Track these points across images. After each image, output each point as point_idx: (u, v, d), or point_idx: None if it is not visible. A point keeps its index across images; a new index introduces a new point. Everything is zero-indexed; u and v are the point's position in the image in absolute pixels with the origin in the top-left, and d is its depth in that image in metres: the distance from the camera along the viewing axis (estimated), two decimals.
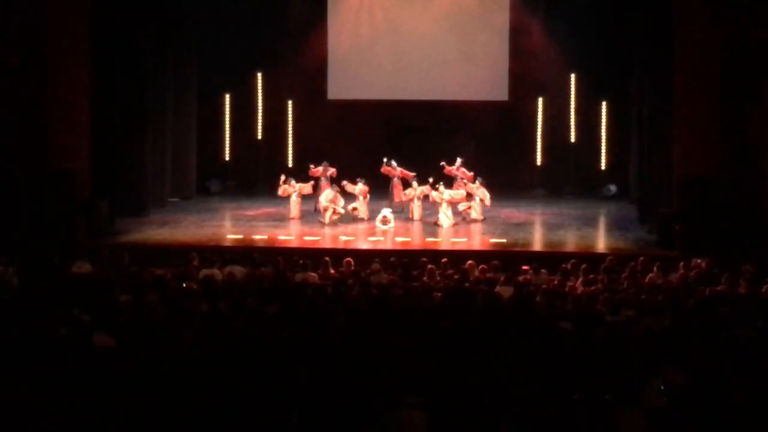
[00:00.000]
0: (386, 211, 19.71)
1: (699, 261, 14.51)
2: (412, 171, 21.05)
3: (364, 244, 18.17)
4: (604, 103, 24.17)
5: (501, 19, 24.20)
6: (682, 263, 14.65)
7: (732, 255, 14.85)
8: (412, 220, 20.38)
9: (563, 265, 14.44)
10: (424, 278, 13.83)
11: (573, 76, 24.31)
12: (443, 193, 19.92)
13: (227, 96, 25.04)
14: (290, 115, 25.14)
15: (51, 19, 18.14)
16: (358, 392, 7.64)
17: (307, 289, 12.40)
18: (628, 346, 9.13)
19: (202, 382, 7.88)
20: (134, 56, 20.46)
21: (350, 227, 19.71)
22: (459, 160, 21.39)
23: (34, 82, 18.01)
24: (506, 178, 23.54)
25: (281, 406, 7.55)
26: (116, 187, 19.90)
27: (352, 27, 24.53)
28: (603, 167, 24.49)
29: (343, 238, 18.69)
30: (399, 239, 18.57)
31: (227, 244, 18.12)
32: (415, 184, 20.58)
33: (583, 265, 14.13)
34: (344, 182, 20.55)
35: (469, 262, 14.86)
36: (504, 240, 18.37)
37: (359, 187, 20.39)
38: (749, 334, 9.78)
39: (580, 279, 13.57)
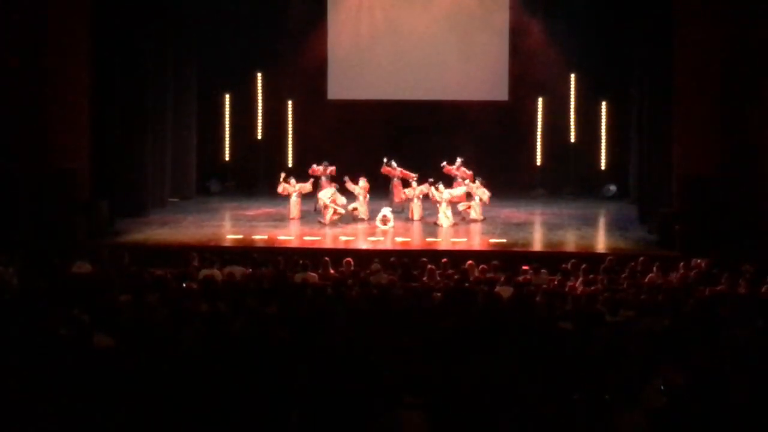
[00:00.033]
0: (386, 211, 19.71)
1: (699, 261, 14.51)
2: (412, 171, 21.05)
3: (364, 244, 18.17)
4: (604, 103, 24.17)
5: (501, 19, 24.20)
6: (682, 263, 14.65)
7: (732, 255, 14.85)
8: (412, 220, 20.38)
9: (563, 265, 14.46)
10: (424, 278, 13.83)
11: (573, 76, 24.31)
12: (443, 193, 19.92)
13: (227, 96, 25.04)
14: (290, 115, 25.13)
15: (51, 19, 18.14)
16: (358, 392, 7.63)
17: (307, 289, 12.40)
18: (628, 346, 9.13)
19: (202, 382, 7.88)
20: (134, 56, 20.46)
21: (350, 227, 19.72)
22: (459, 160, 21.40)
23: (34, 82, 18.01)
24: (506, 178, 23.52)
25: (281, 406, 7.55)
26: (116, 187, 19.89)
27: (352, 27, 24.53)
28: (603, 167, 24.48)
29: (343, 238, 18.69)
30: (399, 239, 18.57)
31: (227, 244, 18.12)
32: (414, 183, 20.59)
33: (583, 265, 14.13)
34: (346, 178, 20.52)
35: (469, 262, 14.87)
36: (504, 240, 18.37)
37: (360, 185, 20.38)
38: (749, 334, 9.78)
39: (580, 279, 13.57)
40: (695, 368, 8.27)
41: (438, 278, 13.85)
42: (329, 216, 19.85)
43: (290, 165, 24.32)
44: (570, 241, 18.66)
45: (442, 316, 10.51)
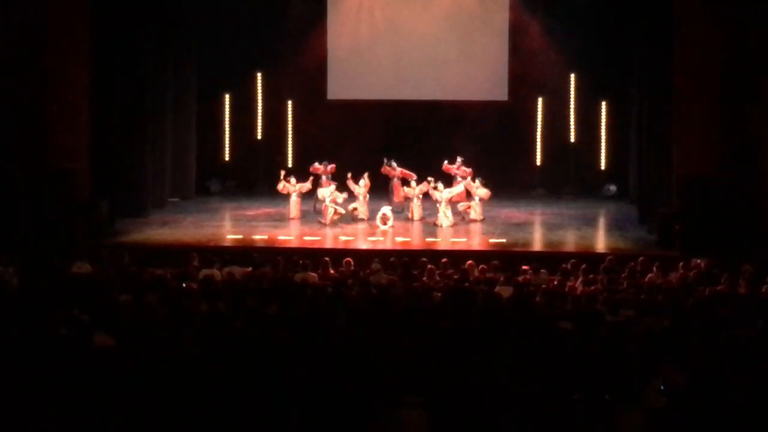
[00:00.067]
0: (386, 209, 19.71)
1: (699, 261, 14.50)
2: (412, 171, 21.05)
3: (363, 244, 18.17)
4: (603, 103, 24.16)
5: (501, 19, 24.19)
6: (681, 263, 14.65)
7: (732, 255, 14.84)
8: (412, 220, 20.37)
9: (563, 265, 14.44)
10: (424, 278, 13.83)
11: (573, 76, 24.30)
12: (442, 192, 19.92)
13: (227, 96, 25.03)
14: (290, 115, 25.13)
15: (51, 19, 18.13)
16: (358, 392, 7.64)
17: (307, 289, 12.40)
18: (628, 346, 9.14)
19: (202, 382, 7.88)
20: (134, 56, 20.45)
21: (350, 227, 19.71)
22: (459, 159, 21.41)
23: (34, 82, 18.01)
24: (506, 178, 23.52)
25: (281, 406, 7.55)
26: (116, 188, 19.88)
27: (352, 27, 24.52)
28: (603, 167, 24.48)
29: (342, 238, 18.69)
30: (399, 239, 18.57)
31: (227, 244, 18.12)
32: (413, 183, 20.58)
33: (583, 265, 14.13)
34: (349, 174, 20.48)
35: (469, 262, 14.87)
36: (504, 240, 18.37)
37: (361, 184, 20.36)
38: (749, 334, 9.78)
39: (580, 279, 13.57)
40: (695, 368, 8.28)
41: (438, 278, 13.85)
42: (329, 216, 19.84)
43: (290, 165, 24.31)
44: (570, 241, 18.66)
45: (442, 316, 10.51)
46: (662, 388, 7.81)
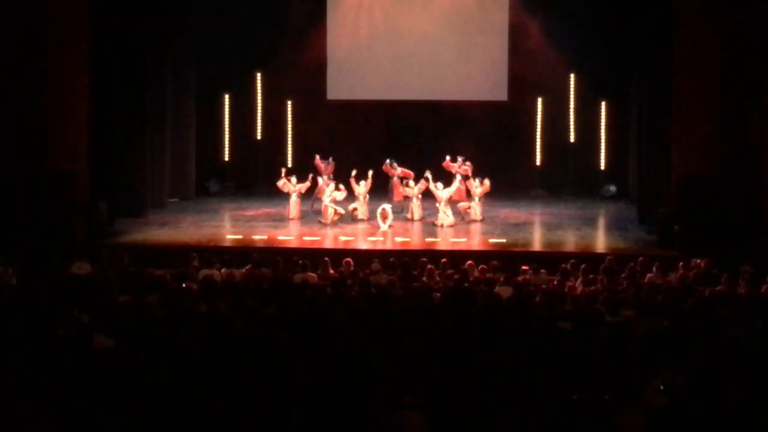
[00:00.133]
0: (386, 206, 19.70)
1: (698, 261, 14.51)
2: (412, 172, 21.05)
3: (363, 245, 18.17)
4: (603, 103, 24.16)
5: (500, 19, 24.18)
6: (681, 263, 14.66)
7: (732, 255, 14.85)
8: (411, 220, 20.37)
9: (563, 265, 14.45)
10: (424, 278, 13.83)
11: (572, 76, 24.30)
12: (441, 191, 19.91)
13: (227, 96, 25.02)
14: (290, 115, 25.13)
15: (51, 19, 18.15)
16: (358, 392, 7.63)
17: (307, 289, 12.40)
18: (628, 346, 9.13)
19: (202, 382, 7.88)
20: (134, 56, 20.45)
21: (350, 227, 19.71)
22: (460, 159, 21.41)
23: (34, 82, 18.02)
24: (505, 178, 23.50)
25: (281, 406, 7.54)
26: (115, 188, 19.89)
27: (352, 27, 24.52)
28: (602, 167, 24.47)
29: (342, 238, 18.69)
30: (399, 239, 18.57)
31: (227, 244, 18.12)
32: (411, 183, 20.58)
33: (583, 266, 14.14)
34: (354, 172, 20.45)
35: (469, 262, 14.87)
36: (503, 240, 18.37)
37: (363, 184, 20.34)
38: (749, 334, 9.78)
39: (580, 279, 13.58)
40: (695, 368, 8.27)
41: (438, 278, 13.85)
42: (330, 216, 19.84)
43: (289, 165, 24.30)
44: (569, 241, 18.66)
45: (442, 316, 10.51)
46: (662, 388, 7.80)
